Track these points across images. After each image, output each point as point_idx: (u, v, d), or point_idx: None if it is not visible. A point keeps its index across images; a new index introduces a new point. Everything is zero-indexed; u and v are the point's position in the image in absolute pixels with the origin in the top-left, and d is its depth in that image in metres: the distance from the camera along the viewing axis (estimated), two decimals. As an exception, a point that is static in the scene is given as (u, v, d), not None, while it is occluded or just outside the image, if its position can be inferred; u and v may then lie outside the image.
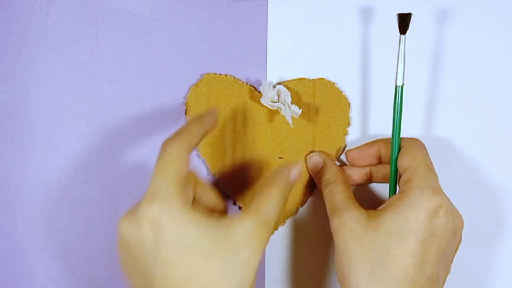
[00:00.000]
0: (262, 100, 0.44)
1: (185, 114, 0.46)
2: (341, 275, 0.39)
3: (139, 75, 0.46)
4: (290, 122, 0.44)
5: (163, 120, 0.46)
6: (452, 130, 0.46)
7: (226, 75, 0.46)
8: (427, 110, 0.46)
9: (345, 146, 0.46)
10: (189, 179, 0.38)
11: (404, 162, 0.40)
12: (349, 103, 0.46)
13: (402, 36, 0.40)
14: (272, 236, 0.46)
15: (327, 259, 0.46)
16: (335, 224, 0.39)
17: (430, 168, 0.39)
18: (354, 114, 0.46)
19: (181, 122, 0.46)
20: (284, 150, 0.46)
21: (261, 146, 0.46)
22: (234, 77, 0.46)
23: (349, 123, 0.46)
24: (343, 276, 0.38)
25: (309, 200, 0.46)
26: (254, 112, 0.46)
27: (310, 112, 0.45)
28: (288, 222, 0.47)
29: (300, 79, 0.46)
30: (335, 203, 0.41)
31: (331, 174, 0.43)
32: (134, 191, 0.47)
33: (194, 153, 0.46)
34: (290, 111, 0.44)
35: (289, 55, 0.46)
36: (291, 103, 0.44)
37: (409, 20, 0.40)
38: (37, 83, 0.46)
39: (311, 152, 0.45)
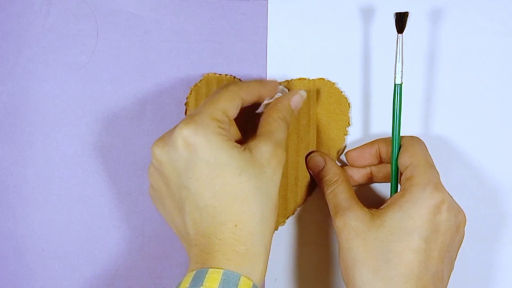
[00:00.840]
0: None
1: (185, 114, 0.46)
2: (345, 274, 0.39)
3: (139, 75, 0.46)
4: None
5: (163, 120, 0.46)
6: (452, 129, 0.46)
7: (226, 75, 0.46)
8: (426, 108, 0.46)
9: (345, 146, 0.46)
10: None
11: (404, 159, 0.40)
12: (349, 103, 0.46)
13: (400, 35, 0.41)
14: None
15: (327, 258, 0.46)
16: (339, 223, 0.39)
17: (431, 165, 0.40)
18: (354, 114, 0.46)
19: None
20: (284, 150, 0.46)
21: (261, 146, 0.46)
22: (234, 77, 0.46)
23: (349, 123, 0.46)
24: (348, 275, 0.38)
25: (309, 199, 0.46)
26: (253, 112, 0.46)
27: (310, 112, 0.45)
28: (288, 222, 0.46)
29: (300, 79, 0.46)
30: (338, 202, 0.41)
31: (333, 173, 0.43)
32: (134, 191, 0.47)
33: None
34: None
35: (289, 55, 0.46)
36: None
37: (406, 19, 0.40)
38: (37, 83, 0.46)
39: (312, 152, 0.45)
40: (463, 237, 0.40)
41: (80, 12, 0.46)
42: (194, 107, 0.45)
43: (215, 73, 0.46)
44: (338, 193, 0.41)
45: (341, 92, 0.46)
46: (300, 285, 0.47)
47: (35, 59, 0.46)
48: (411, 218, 0.37)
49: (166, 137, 0.38)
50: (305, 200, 0.46)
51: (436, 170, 0.40)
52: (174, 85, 0.46)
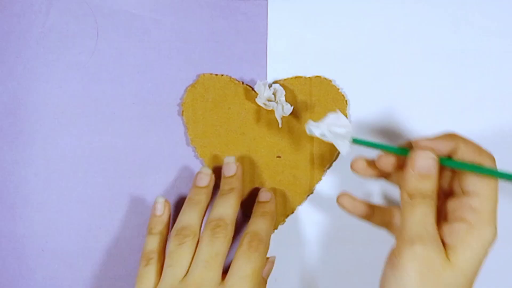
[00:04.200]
0: (257, 100, 0.44)
1: (182, 114, 0.46)
2: None
3: (139, 75, 0.46)
4: (279, 121, 0.44)
5: (163, 120, 0.46)
6: (452, 128, 0.46)
7: (222, 75, 0.46)
8: (428, 109, 0.46)
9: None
10: None
11: (476, 185, 0.36)
12: (346, 100, 0.46)
13: None
14: (272, 236, 0.46)
15: (326, 258, 0.47)
16: (421, 251, 0.35)
17: (497, 198, 0.36)
18: (352, 111, 0.46)
19: (179, 123, 0.46)
20: (282, 149, 0.46)
21: (259, 145, 0.46)
22: (230, 77, 0.46)
23: None
24: None
25: (309, 198, 0.46)
26: (251, 112, 0.46)
27: (307, 110, 0.46)
28: (288, 221, 0.47)
29: (296, 77, 0.46)
30: (426, 225, 0.36)
31: (432, 184, 0.37)
32: (134, 191, 0.47)
33: (192, 153, 0.46)
34: (283, 111, 0.44)
35: (289, 55, 0.46)
36: (285, 102, 0.44)
37: None
38: (37, 83, 0.46)
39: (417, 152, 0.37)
40: None
41: (80, 12, 0.46)
42: (190, 108, 0.46)
43: (211, 74, 0.46)
44: (428, 214, 0.36)
45: (338, 89, 0.46)
46: (300, 285, 0.47)
47: (35, 59, 0.46)
48: (480, 260, 0.35)
49: None
50: (305, 199, 0.46)
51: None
52: (174, 85, 0.46)
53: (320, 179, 0.46)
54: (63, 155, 0.47)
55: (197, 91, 0.46)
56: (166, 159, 0.47)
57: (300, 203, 0.46)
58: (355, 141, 0.40)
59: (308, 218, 0.47)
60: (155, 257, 0.42)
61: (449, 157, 0.37)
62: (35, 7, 0.46)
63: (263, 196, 0.45)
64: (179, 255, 0.40)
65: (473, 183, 0.36)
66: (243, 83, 0.46)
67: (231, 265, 0.40)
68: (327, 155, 0.45)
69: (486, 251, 0.35)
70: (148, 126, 0.46)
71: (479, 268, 0.35)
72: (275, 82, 0.46)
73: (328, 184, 0.46)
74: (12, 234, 0.47)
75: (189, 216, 0.42)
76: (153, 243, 0.43)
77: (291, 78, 0.46)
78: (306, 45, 0.46)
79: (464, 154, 0.36)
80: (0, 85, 0.46)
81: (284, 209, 0.46)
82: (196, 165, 0.47)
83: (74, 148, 0.47)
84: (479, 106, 0.46)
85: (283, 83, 0.45)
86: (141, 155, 0.47)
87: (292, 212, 0.46)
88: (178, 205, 0.46)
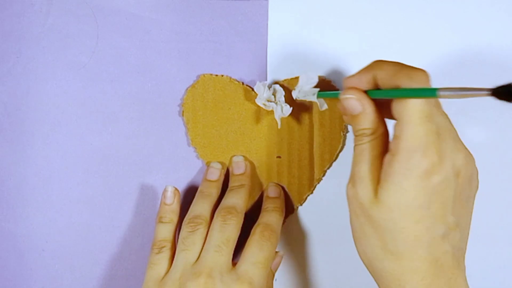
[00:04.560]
0: (257, 101, 0.44)
1: (182, 115, 0.46)
2: (358, 245, 0.37)
3: (139, 75, 0.46)
4: (278, 122, 0.44)
5: (163, 120, 0.46)
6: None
7: (222, 75, 0.46)
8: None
9: (343, 144, 0.46)
10: None
11: (396, 109, 0.32)
12: None
13: None
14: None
15: (327, 258, 0.47)
16: (349, 192, 0.36)
17: (425, 118, 0.32)
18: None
19: (180, 123, 0.46)
20: (282, 149, 0.46)
21: (259, 146, 0.46)
22: (230, 78, 0.46)
23: None
24: (360, 247, 0.36)
25: (309, 198, 0.46)
26: (250, 112, 0.46)
27: (307, 110, 0.45)
28: (288, 221, 0.47)
29: (296, 77, 0.46)
30: (358, 165, 0.35)
31: (369, 122, 0.35)
32: (134, 191, 0.47)
33: (193, 154, 0.47)
34: (282, 112, 0.44)
35: (289, 55, 0.46)
36: (285, 102, 0.44)
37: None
38: (37, 83, 0.46)
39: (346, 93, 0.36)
40: (474, 174, 0.35)
41: (81, 12, 0.46)
42: (191, 108, 0.46)
43: (211, 74, 0.46)
44: (361, 152, 0.35)
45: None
46: (300, 285, 0.47)
47: (35, 59, 0.46)
48: (405, 191, 0.32)
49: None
50: (304, 199, 0.46)
51: (432, 120, 0.32)
52: (174, 85, 0.46)
53: (320, 179, 0.46)
54: (63, 155, 0.47)
55: (197, 92, 0.46)
56: (166, 159, 0.47)
57: (300, 203, 0.46)
58: (320, 95, 0.42)
59: (308, 218, 0.47)
60: (167, 245, 0.42)
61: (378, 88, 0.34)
62: (35, 7, 0.46)
63: (272, 191, 0.46)
64: (191, 240, 0.41)
65: (394, 109, 0.33)
66: (243, 83, 0.46)
67: (243, 252, 0.41)
68: (327, 155, 0.45)
69: (415, 182, 0.32)
70: (148, 126, 0.46)
71: (413, 201, 0.32)
72: (275, 82, 0.46)
73: (328, 184, 0.46)
74: (12, 234, 0.47)
75: (201, 206, 0.43)
76: (165, 231, 0.43)
77: (291, 79, 0.46)
78: (306, 45, 0.46)
79: (382, 81, 0.33)
80: (0, 85, 0.46)
81: (285, 209, 0.46)
82: (197, 165, 0.47)
83: (74, 148, 0.47)
84: (479, 106, 0.46)
85: (283, 84, 0.45)
86: (141, 156, 0.47)
87: (292, 212, 0.46)
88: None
